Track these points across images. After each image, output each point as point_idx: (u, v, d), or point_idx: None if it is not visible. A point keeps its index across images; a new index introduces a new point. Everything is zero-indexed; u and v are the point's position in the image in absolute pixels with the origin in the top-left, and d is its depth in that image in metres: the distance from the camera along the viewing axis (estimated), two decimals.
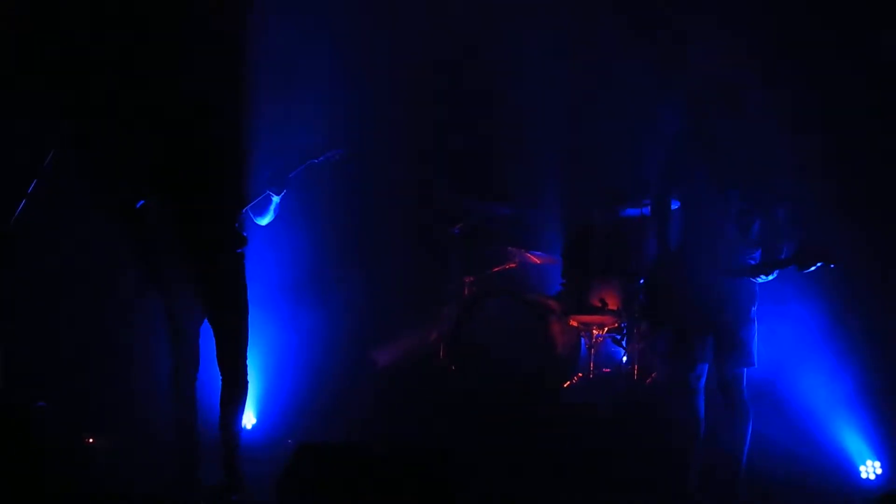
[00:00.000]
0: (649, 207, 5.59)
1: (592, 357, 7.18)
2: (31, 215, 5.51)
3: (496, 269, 7.78)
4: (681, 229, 5.36)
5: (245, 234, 5.47)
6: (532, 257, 7.76)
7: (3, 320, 5.83)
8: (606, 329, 7.23)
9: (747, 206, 5.18)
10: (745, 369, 5.28)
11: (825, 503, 5.86)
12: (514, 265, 7.77)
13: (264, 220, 5.73)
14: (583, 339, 7.25)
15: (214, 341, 5.42)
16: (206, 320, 5.47)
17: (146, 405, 6.51)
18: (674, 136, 5.44)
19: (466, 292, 7.68)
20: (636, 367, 7.02)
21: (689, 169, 5.29)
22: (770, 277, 5.14)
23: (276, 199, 5.59)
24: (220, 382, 5.43)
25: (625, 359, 7.24)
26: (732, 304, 5.23)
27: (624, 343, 7.21)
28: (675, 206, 5.48)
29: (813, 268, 4.96)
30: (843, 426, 6.28)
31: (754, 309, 5.27)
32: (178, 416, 5.52)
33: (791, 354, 6.45)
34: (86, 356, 6.75)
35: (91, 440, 6.37)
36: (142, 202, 5.36)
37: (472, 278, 7.74)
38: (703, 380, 5.30)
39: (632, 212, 7.18)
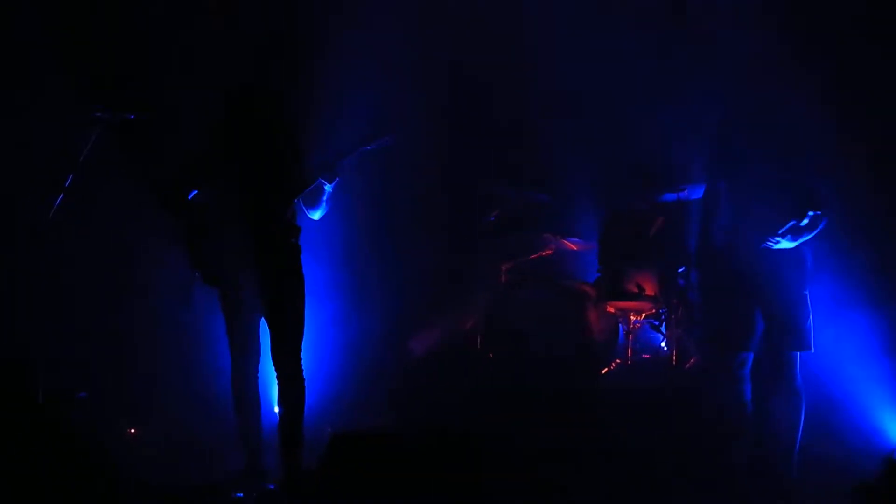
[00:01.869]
0: (698, 193, 5.54)
1: (630, 343, 7.16)
2: (69, 208, 5.54)
3: (532, 255, 7.75)
4: (727, 214, 5.31)
5: (299, 225, 5.41)
6: (568, 244, 7.73)
7: (43, 312, 5.88)
8: (644, 315, 7.21)
9: (790, 181, 5.13)
10: (799, 353, 5.22)
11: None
12: (550, 252, 7.74)
13: (317, 214, 5.52)
14: (620, 326, 7.23)
15: (269, 335, 5.34)
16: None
17: (183, 399, 6.61)
18: (719, 124, 5.39)
19: (503, 279, 7.67)
20: (675, 352, 6.99)
21: (737, 154, 5.25)
22: (786, 240, 5.07)
23: (328, 187, 5.39)
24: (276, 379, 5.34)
25: (664, 344, 7.21)
26: (782, 285, 5.17)
27: (662, 329, 7.18)
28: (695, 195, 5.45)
29: (807, 218, 4.92)
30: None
31: (807, 290, 5.21)
32: (241, 412, 5.50)
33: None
34: (123, 349, 6.81)
35: (133, 430, 6.41)
36: (194, 192, 5.33)
37: (508, 265, 7.72)
38: (748, 367, 5.25)
39: (669, 196, 7.14)
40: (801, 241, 5.15)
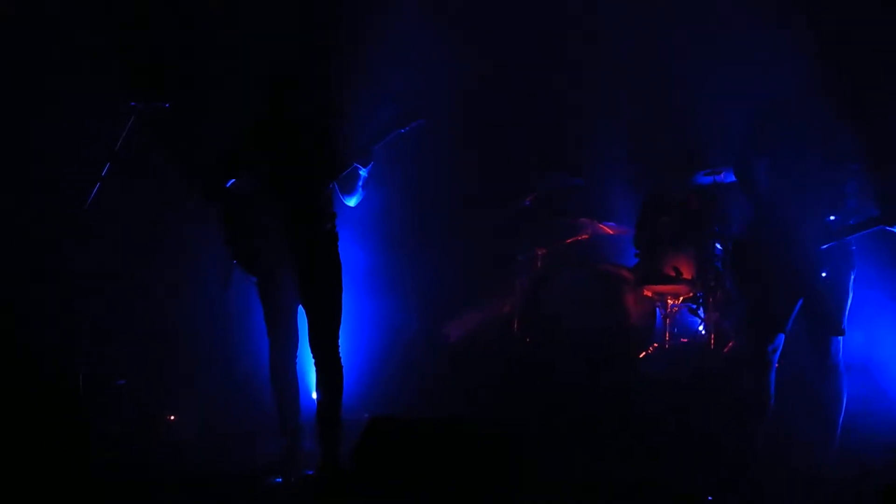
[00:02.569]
0: (734, 177, 5.48)
1: (668, 327, 7.13)
2: (106, 197, 5.58)
3: (569, 240, 7.74)
4: (768, 197, 5.25)
5: (335, 211, 5.41)
6: (604, 228, 7.71)
7: (83, 301, 5.94)
8: (682, 298, 7.17)
9: (832, 167, 5.07)
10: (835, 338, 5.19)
11: None
12: (586, 236, 7.73)
13: (353, 200, 5.50)
14: (658, 310, 7.20)
15: (307, 322, 5.33)
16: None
17: (222, 385, 6.66)
18: (755, 110, 5.33)
19: (539, 264, 7.66)
20: (713, 336, 6.95)
21: (773, 139, 5.19)
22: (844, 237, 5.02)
23: (363, 172, 5.38)
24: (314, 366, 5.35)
25: (701, 328, 7.17)
26: (826, 269, 5.12)
27: (700, 312, 7.14)
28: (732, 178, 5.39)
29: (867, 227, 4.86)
30: None
31: (852, 276, 5.16)
32: (279, 398, 5.53)
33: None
34: (163, 337, 6.86)
35: (172, 417, 6.46)
36: (232, 181, 5.35)
37: (544, 250, 7.72)
38: (779, 353, 5.21)
39: (705, 179, 7.10)
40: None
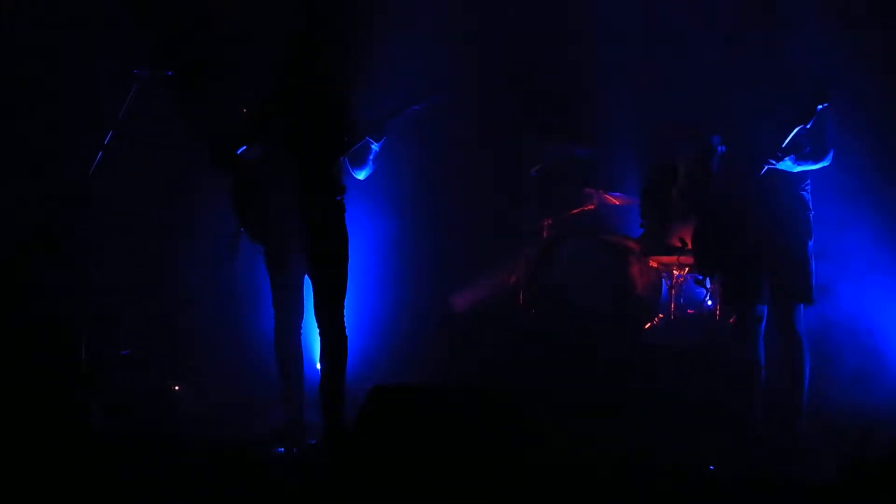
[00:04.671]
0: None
1: (674, 298, 7.09)
2: (110, 167, 5.56)
3: (574, 210, 7.70)
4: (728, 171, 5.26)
5: (344, 184, 5.39)
6: (610, 198, 7.67)
7: (87, 271, 5.93)
8: (687, 269, 7.13)
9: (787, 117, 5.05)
10: (801, 306, 5.18)
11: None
12: (592, 206, 7.68)
13: (362, 174, 5.51)
14: (664, 281, 7.16)
15: (312, 292, 5.33)
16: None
17: (226, 355, 6.66)
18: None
19: (545, 234, 7.63)
20: (719, 307, 6.92)
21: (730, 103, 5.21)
22: (787, 160, 4.98)
23: (375, 147, 5.37)
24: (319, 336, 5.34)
25: (707, 299, 7.14)
26: (783, 238, 5.12)
27: (707, 283, 7.10)
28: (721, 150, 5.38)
29: (813, 117, 4.84)
30: None
31: (810, 243, 5.15)
32: (283, 368, 5.53)
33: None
34: (168, 307, 6.87)
35: (177, 388, 6.46)
36: (243, 148, 5.33)
37: (550, 220, 7.68)
38: (763, 322, 5.22)
39: (721, 150, 7.03)
40: (804, 167, 5.06)
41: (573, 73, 7.73)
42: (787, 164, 5.02)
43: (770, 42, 5.17)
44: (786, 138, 4.91)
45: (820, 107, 4.83)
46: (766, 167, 4.99)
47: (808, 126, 4.87)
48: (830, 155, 5.12)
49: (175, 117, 6.58)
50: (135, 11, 6.65)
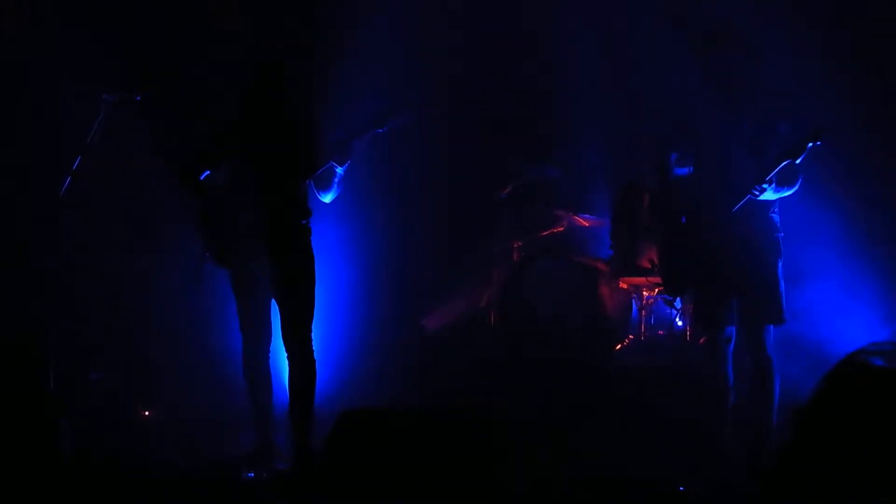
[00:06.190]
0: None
1: (644, 319, 7.12)
2: (78, 191, 5.54)
3: (544, 232, 7.74)
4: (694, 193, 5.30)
5: (310, 207, 5.39)
6: (580, 220, 7.70)
7: (56, 295, 5.90)
8: (657, 290, 7.16)
9: (756, 134, 5.09)
10: (771, 326, 5.22)
11: None
12: (562, 228, 7.72)
13: (328, 197, 5.49)
14: (634, 302, 7.19)
15: (280, 316, 5.32)
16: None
17: (195, 380, 6.63)
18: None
19: (515, 256, 7.65)
20: (689, 328, 6.95)
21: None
22: (769, 189, 5.02)
23: (339, 170, 5.37)
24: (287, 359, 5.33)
25: (678, 320, 7.17)
26: (753, 260, 5.16)
27: (676, 304, 7.13)
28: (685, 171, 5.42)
29: (804, 153, 4.87)
30: None
31: (780, 263, 5.19)
32: (252, 392, 5.52)
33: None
34: (136, 331, 6.83)
35: (147, 413, 6.44)
36: (206, 173, 5.32)
37: (520, 242, 7.71)
38: (732, 343, 5.25)
39: (682, 171, 7.07)
40: (781, 194, 5.11)
41: (543, 95, 7.78)
42: (768, 195, 5.07)
43: (742, 69, 5.21)
44: (770, 171, 4.96)
45: (811, 144, 4.88)
46: (749, 197, 5.03)
47: (798, 162, 4.93)
48: (800, 180, 5.17)
49: (143, 141, 6.55)
50: (103, 37, 6.63)
